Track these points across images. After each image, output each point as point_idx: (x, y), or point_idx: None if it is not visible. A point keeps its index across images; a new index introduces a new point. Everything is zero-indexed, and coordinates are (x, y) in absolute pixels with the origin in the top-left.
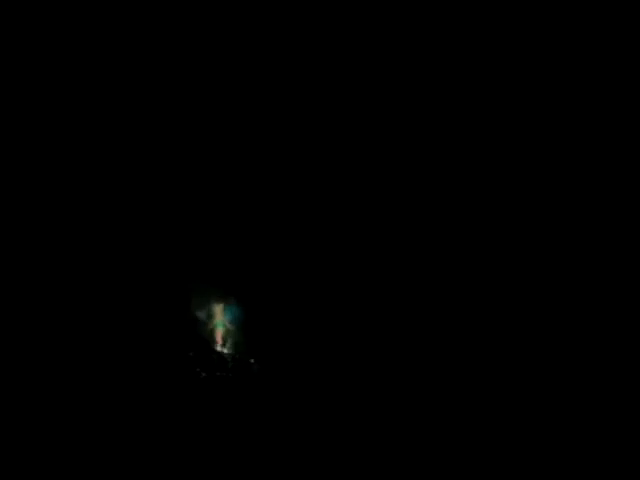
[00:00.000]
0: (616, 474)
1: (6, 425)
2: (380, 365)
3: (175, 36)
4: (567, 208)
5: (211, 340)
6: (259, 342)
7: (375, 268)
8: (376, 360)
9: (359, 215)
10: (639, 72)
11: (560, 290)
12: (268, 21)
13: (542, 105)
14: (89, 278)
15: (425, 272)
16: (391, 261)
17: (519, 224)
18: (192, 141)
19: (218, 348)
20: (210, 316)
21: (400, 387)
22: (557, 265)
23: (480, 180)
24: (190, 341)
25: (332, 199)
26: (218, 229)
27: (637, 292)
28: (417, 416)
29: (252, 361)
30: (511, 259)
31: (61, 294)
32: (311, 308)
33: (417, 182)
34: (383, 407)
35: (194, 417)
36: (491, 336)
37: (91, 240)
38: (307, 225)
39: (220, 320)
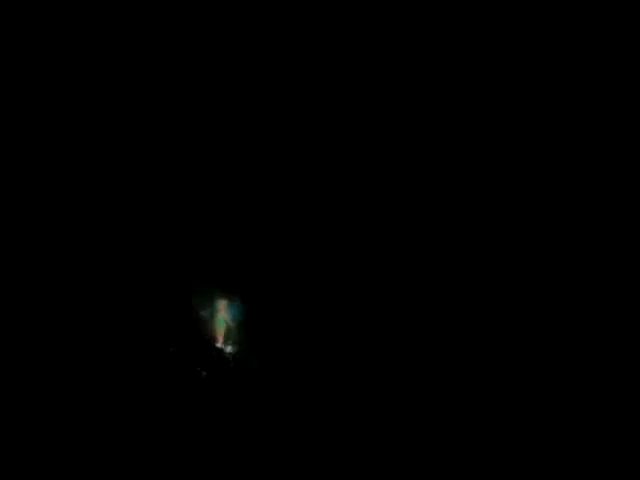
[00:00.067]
0: (616, 474)
1: (6, 425)
2: (383, 367)
3: (175, 36)
4: (567, 208)
5: (213, 338)
6: (261, 340)
7: (379, 267)
8: (379, 362)
9: (363, 214)
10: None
11: (560, 290)
12: (268, 21)
13: (542, 105)
14: (91, 277)
15: (427, 268)
16: (393, 261)
17: (519, 224)
18: (193, 140)
19: (219, 346)
20: (212, 314)
21: (403, 387)
22: (557, 265)
23: (480, 180)
24: (192, 339)
25: (335, 198)
26: (221, 226)
27: (637, 292)
28: (420, 415)
29: (253, 360)
30: (511, 259)
31: (62, 293)
32: (314, 307)
33: (417, 182)
34: (386, 408)
35: (195, 416)
36: (491, 336)
37: (93, 240)
38: (312, 224)
39: (222, 318)
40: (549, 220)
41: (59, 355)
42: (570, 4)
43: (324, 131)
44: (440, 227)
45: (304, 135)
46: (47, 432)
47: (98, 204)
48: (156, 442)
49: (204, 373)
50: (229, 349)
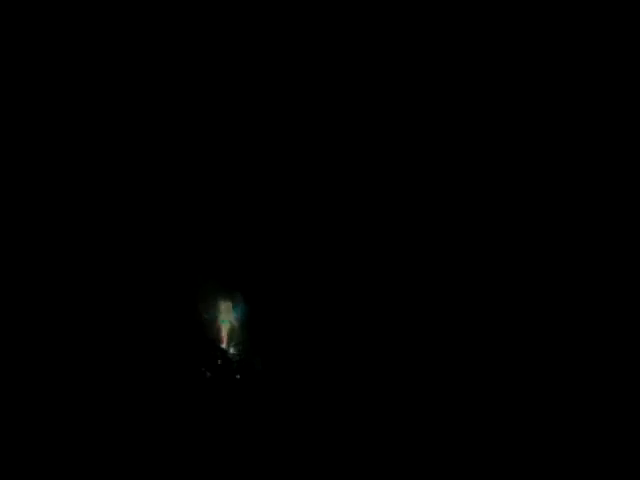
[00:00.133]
0: (616, 474)
1: (6, 425)
2: (386, 369)
3: (175, 36)
4: (567, 208)
5: (217, 339)
6: (265, 341)
7: (382, 268)
8: (382, 363)
9: (366, 215)
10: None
11: (560, 290)
12: (268, 21)
13: (542, 105)
14: (96, 281)
15: (429, 267)
16: (395, 261)
17: (519, 224)
18: (196, 141)
19: (223, 347)
20: (217, 315)
21: (405, 387)
22: (557, 265)
23: (480, 180)
24: (196, 340)
25: (338, 199)
26: (225, 228)
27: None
28: (425, 415)
29: (257, 360)
30: (511, 259)
31: (66, 294)
32: (317, 307)
33: (417, 182)
34: (389, 408)
35: (200, 416)
36: (491, 336)
37: (98, 241)
38: (314, 226)
39: (227, 319)
40: (549, 220)
41: (63, 354)
42: (570, 4)
43: (324, 131)
44: (440, 227)
45: (305, 135)
46: (50, 431)
47: (102, 207)
48: (162, 442)
49: (208, 374)
50: (233, 350)
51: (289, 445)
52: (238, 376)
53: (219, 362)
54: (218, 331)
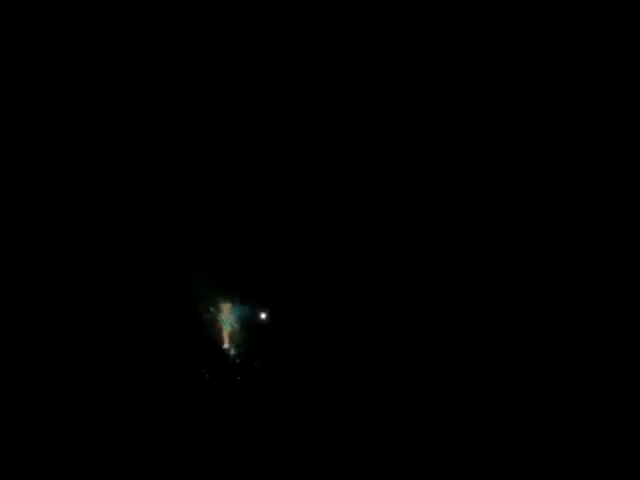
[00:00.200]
0: (616, 474)
1: (6, 425)
2: (387, 369)
3: (175, 35)
4: (567, 208)
5: (217, 340)
6: (266, 342)
7: (382, 268)
8: (385, 364)
9: (366, 215)
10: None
11: (560, 290)
12: (268, 21)
13: (542, 105)
14: (94, 282)
15: (431, 267)
16: (395, 262)
17: (519, 224)
18: (195, 141)
19: (224, 347)
20: (217, 316)
21: (406, 387)
22: (557, 265)
23: (480, 180)
24: (196, 341)
25: (338, 199)
26: (224, 228)
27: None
28: (425, 415)
29: (259, 361)
30: (511, 259)
31: (65, 294)
32: (318, 307)
33: (417, 182)
34: (390, 408)
35: (200, 418)
36: (491, 336)
37: (97, 241)
38: (315, 226)
39: (227, 320)
40: (549, 220)
41: (62, 355)
42: (570, 4)
43: (324, 131)
44: (440, 227)
45: (306, 135)
46: (50, 432)
47: (100, 207)
48: (161, 444)
49: (208, 375)
50: (234, 351)
51: (290, 445)
52: (239, 377)
53: (220, 363)
54: (219, 332)
